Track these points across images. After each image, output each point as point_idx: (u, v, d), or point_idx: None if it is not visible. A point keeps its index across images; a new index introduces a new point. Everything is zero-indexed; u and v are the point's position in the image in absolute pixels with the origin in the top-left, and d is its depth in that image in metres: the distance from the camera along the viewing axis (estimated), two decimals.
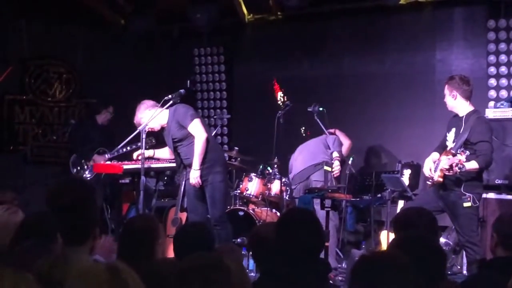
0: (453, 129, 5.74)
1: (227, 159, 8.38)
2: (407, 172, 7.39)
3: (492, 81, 7.67)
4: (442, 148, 5.90)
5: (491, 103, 7.53)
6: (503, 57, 7.59)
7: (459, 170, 5.23)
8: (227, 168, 6.72)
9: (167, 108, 6.21)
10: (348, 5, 8.60)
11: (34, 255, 2.94)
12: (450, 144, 5.75)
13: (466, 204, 5.51)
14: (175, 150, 6.35)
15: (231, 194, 7.65)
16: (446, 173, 5.40)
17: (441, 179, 5.60)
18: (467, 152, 5.32)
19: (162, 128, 6.38)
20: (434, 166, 5.74)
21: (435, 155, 5.88)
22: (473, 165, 5.38)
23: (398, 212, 5.92)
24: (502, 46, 7.58)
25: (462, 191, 5.54)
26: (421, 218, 3.48)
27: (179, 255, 3.41)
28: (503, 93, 7.57)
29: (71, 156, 8.20)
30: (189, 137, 6.20)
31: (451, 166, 5.27)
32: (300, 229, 3.15)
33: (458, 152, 5.43)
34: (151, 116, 6.14)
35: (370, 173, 7.13)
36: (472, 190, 5.54)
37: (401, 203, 6.65)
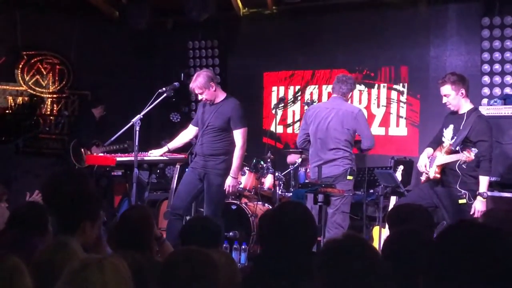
0: (451, 126, 5.73)
1: None
2: (400, 168, 7.41)
3: (486, 79, 7.69)
4: (436, 144, 5.91)
5: (485, 101, 7.56)
6: (497, 55, 7.60)
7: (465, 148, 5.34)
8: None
9: (160, 100, 6.19)
10: (342, 0, 8.59)
11: (18, 247, 2.94)
12: (447, 140, 5.74)
13: (461, 201, 5.52)
14: (202, 133, 6.35)
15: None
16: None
17: (438, 175, 5.62)
18: (473, 150, 5.36)
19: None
20: (428, 161, 5.74)
21: (429, 150, 5.89)
22: (484, 181, 5.50)
23: (392, 207, 5.94)
24: (496, 43, 7.59)
25: (458, 187, 5.56)
26: (417, 213, 3.49)
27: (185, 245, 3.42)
28: (497, 91, 7.59)
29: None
30: (225, 133, 6.26)
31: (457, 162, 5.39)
32: (292, 223, 3.14)
33: (457, 148, 5.45)
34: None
35: (363, 169, 7.13)
36: (468, 187, 5.56)
37: (393, 199, 6.66)
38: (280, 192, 7.28)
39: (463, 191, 5.54)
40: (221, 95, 6.36)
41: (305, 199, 5.86)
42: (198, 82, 6.22)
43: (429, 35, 8.28)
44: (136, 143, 5.99)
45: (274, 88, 9.46)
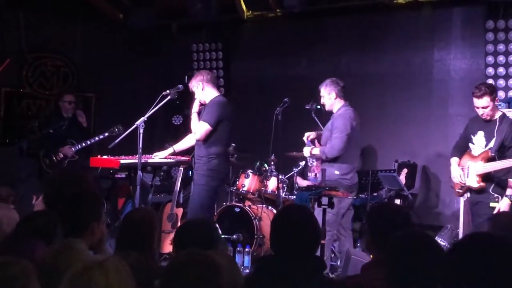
0: (480, 132, 5.66)
1: None
2: (403, 171, 7.41)
3: (490, 82, 7.67)
4: (460, 152, 5.83)
5: None
6: (501, 58, 7.60)
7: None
8: (223, 178, 6.68)
9: (164, 103, 6.20)
10: (347, 3, 8.60)
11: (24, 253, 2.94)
12: (479, 148, 5.68)
13: (492, 204, 5.45)
14: None
15: (227, 191, 7.65)
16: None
17: (483, 184, 5.56)
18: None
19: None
20: (462, 172, 5.68)
21: (456, 159, 5.83)
22: None
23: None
24: (501, 47, 7.59)
25: (491, 191, 5.52)
26: (396, 215, 3.46)
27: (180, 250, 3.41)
28: (501, 94, 7.58)
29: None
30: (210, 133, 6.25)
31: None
32: (295, 225, 3.15)
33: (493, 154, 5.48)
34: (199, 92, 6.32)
35: (367, 172, 7.13)
36: (500, 191, 5.51)
37: (397, 202, 6.67)
38: (283, 195, 7.27)
39: (495, 195, 5.49)
40: (211, 96, 6.33)
41: (309, 202, 5.85)
42: (190, 82, 6.36)
43: (433, 38, 8.27)
44: (140, 146, 5.99)
45: (276, 91, 9.44)
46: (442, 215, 8.03)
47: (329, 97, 6.43)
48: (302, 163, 7.63)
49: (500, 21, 7.58)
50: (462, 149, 5.86)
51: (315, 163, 6.71)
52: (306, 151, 6.56)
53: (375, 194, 7.34)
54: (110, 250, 3.45)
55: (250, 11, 9.53)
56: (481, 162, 5.59)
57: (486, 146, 5.63)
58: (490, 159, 5.56)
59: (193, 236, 3.40)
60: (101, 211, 3.39)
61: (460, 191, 5.75)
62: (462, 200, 7.14)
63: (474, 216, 5.75)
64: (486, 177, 5.58)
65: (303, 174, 7.89)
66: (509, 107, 7.16)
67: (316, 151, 6.42)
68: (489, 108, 5.66)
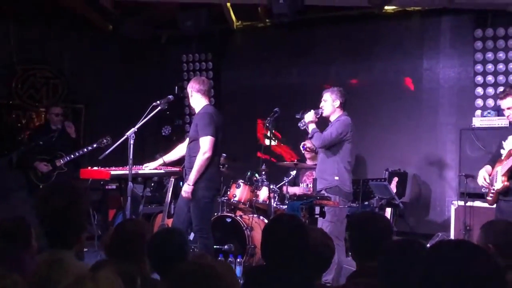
0: (510, 137, 5.53)
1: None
2: (394, 180, 7.43)
3: (479, 90, 7.72)
4: (494, 162, 5.67)
5: (478, 112, 7.59)
6: (489, 66, 7.65)
7: None
8: (218, 186, 6.64)
9: (154, 113, 6.18)
10: (336, 13, 8.63)
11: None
12: (506, 151, 5.53)
13: None
14: (187, 146, 6.34)
15: (219, 201, 7.63)
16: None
17: (507, 183, 5.38)
18: None
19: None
20: (489, 177, 5.55)
21: (488, 167, 5.67)
22: None
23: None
24: (489, 55, 7.63)
25: None
26: (378, 224, 3.46)
27: (152, 260, 3.41)
28: (490, 102, 7.63)
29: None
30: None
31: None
32: (286, 235, 3.14)
33: None
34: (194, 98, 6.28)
35: (358, 181, 7.13)
36: None
37: (388, 211, 6.66)
38: (275, 205, 7.26)
39: None
40: (200, 105, 6.31)
41: (300, 211, 5.84)
42: (192, 82, 6.37)
43: (423, 47, 8.32)
44: (131, 157, 5.97)
45: (268, 102, 9.44)
46: (433, 223, 8.06)
47: (333, 104, 6.39)
48: (293, 173, 7.63)
49: (489, 29, 7.63)
50: (495, 158, 5.68)
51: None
52: (309, 116, 6.50)
53: (366, 203, 7.35)
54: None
55: (240, 21, 9.56)
56: (505, 162, 5.46)
57: None
58: None
59: (165, 245, 3.40)
60: (86, 219, 3.38)
61: (490, 198, 5.56)
62: (453, 208, 7.17)
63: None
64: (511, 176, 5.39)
65: (294, 183, 7.91)
66: (498, 115, 7.19)
67: (312, 126, 6.38)
68: None
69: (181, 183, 6.63)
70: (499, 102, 5.68)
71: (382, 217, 3.74)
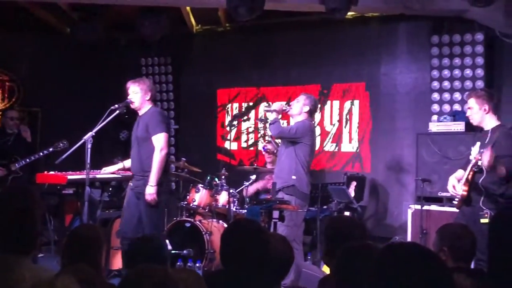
0: (478, 143, 5.54)
1: (173, 170, 8.32)
2: (352, 184, 7.49)
3: (435, 95, 7.83)
4: (467, 165, 5.62)
5: (434, 117, 7.70)
6: (446, 72, 7.76)
7: (491, 160, 5.08)
8: (171, 189, 6.58)
9: (112, 117, 6.10)
10: (296, 18, 8.67)
11: None
12: (472, 157, 5.49)
13: (483, 220, 5.22)
14: (132, 149, 6.22)
15: (178, 206, 7.58)
16: (486, 169, 5.19)
17: (465, 193, 5.40)
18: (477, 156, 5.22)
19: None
20: (457, 182, 5.55)
21: (460, 172, 5.69)
22: (501, 170, 5.22)
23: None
24: (445, 61, 7.75)
25: (481, 205, 5.33)
26: (351, 227, 3.48)
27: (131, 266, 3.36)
28: (446, 107, 7.74)
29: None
30: (151, 146, 6.03)
31: (478, 161, 5.17)
32: (245, 240, 3.14)
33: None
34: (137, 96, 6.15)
35: (316, 185, 7.18)
36: (490, 206, 5.33)
37: (346, 214, 6.71)
38: (234, 209, 7.25)
39: (485, 210, 5.29)
40: (148, 106, 6.26)
41: (259, 216, 5.85)
42: (141, 81, 6.28)
43: (380, 52, 8.41)
44: (88, 161, 5.89)
45: (228, 105, 9.47)
46: (390, 227, 8.15)
47: (303, 107, 6.51)
48: (253, 177, 7.63)
49: (445, 36, 7.75)
50: (467, 162, 5.66)
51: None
52: (277, 105, 6.70)
53: (325, 207, 7.39)
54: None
55: (200, 25, 9.54)
56: (466, 171, 5.49)
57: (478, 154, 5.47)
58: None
59: (145, 252, 3.36)
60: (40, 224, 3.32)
61: (456, 203, 5.59)
62: (410, 211, 7.25)
63: None
64: (472, 187, 5.40)
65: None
66: (454, 120, 7.30)
67: (275, 115, 6.45)
68: (473, 111, 5.58)
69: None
70: (467, 100, 5.77)
71: (356, 220, 3.77)
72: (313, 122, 6.73)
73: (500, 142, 5.35)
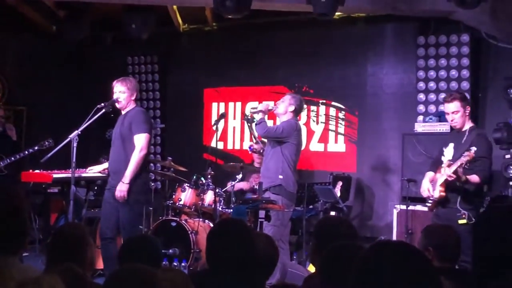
0: (451, 144, 5.54)
1: (160, 169, 8.30)
2: (338, 184, 7.50)
3: (421, 96, 7.86)
4: (435, 167, 5.67)
5: (420, 118, 7.74)
6: (432, 73, 7.79)
7: (464, 168, 5.12)
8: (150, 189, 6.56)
9: (98, 116, 6.08)
10: (283, 18, 8.67)
11: None
12: (447, 159, 5.49)
13: (461, 221, 5.23)
14: (111, 148, 6.19)
15: (164, 205, 7.57)
16: (454, 180, 5.21)
17: (443, 194, 5.38)
18: (473, 148, 5.18)
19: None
20: (431, 185, 5.54)
21: (430, 174, 5.69)
22: (474, 178, 5.25)
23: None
24: (431, 62, 7.79)
25: (458, 207, 5.33)
26: (341, 227, 3.48)
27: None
28: (432, 108, 7.77)
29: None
30: (133, 145, 6.01)
31: (456, 172, 5.14)
32: (231, 240, 3.14)
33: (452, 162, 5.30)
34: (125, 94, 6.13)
35: (303, 185, 7.19)
36: (468, 207, 5.34)
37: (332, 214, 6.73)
38: (220, 209, 7.24)
39: (462, 211, 5.30)
40: (132, 105, 6.23)
41: (246, 215, 5.85)
42: (128, 80, 6.25)
43: (367, 53, 8.44)
44: (74, 160, 5.86)
45: (214, 104, 9.46)
46: (375, 227, 8.18)
47: (288, 107, 6.54)
48: (239, 176, 7.63)
49: (431, 37, 7.79)
50: (437, 163, 5.69)
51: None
52: (263, 105, 6.78)
53: (311, 206, 7.41)
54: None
55: (186, 24, 9.52)
56: (442, 173, 5.45)
57: (452, 156, 5.49)
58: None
59: (138, 254, 3.35)
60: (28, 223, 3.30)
61: (429, 205, 5.60)
62: (395, 212, 7.28)
63: None
64: (449, 187, 5.40)
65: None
66: (440, 121, 7.34)
67: (259, 116, 6.47)
68: (459, 114, 5.55)
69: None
70: (445, 105, 5.68)
71: (346, 220, 3.79)
72: (299, 121, 6.76)
73: (476, 143, 5.35)
